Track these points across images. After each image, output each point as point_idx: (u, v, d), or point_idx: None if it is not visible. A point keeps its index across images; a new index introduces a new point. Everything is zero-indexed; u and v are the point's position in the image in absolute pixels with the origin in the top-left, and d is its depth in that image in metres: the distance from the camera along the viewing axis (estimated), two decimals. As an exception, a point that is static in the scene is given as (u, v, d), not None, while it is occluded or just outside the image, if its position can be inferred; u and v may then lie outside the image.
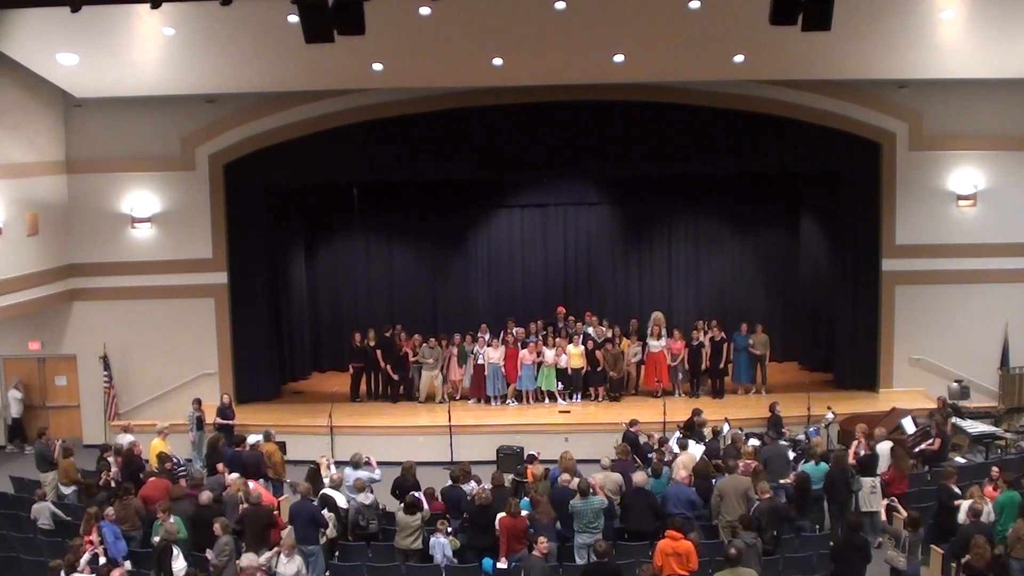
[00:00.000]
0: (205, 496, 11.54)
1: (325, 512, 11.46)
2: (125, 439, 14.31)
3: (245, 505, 11.52)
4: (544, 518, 11.09)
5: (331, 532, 11.51)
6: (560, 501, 11.31)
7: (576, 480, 11.51)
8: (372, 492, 12.08)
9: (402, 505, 11.47)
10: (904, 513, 10.76)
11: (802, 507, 11.78)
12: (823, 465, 12.30)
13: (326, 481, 12.35)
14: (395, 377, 18.09)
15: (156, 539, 10.84)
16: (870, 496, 12.15)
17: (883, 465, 12.56)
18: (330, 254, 20.88)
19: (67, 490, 13.35)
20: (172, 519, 11.06)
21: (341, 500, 11.99)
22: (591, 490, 11.19)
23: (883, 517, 10.83)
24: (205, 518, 11.04)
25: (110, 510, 11.16)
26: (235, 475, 12.68)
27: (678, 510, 11.37)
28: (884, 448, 12.78)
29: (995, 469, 11.80)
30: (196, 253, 17.60)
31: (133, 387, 17.61)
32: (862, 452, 12.51)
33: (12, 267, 15.53)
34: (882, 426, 14.01)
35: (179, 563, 10.37)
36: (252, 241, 17.90)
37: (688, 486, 11.80)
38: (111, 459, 13.67)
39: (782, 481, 11.86)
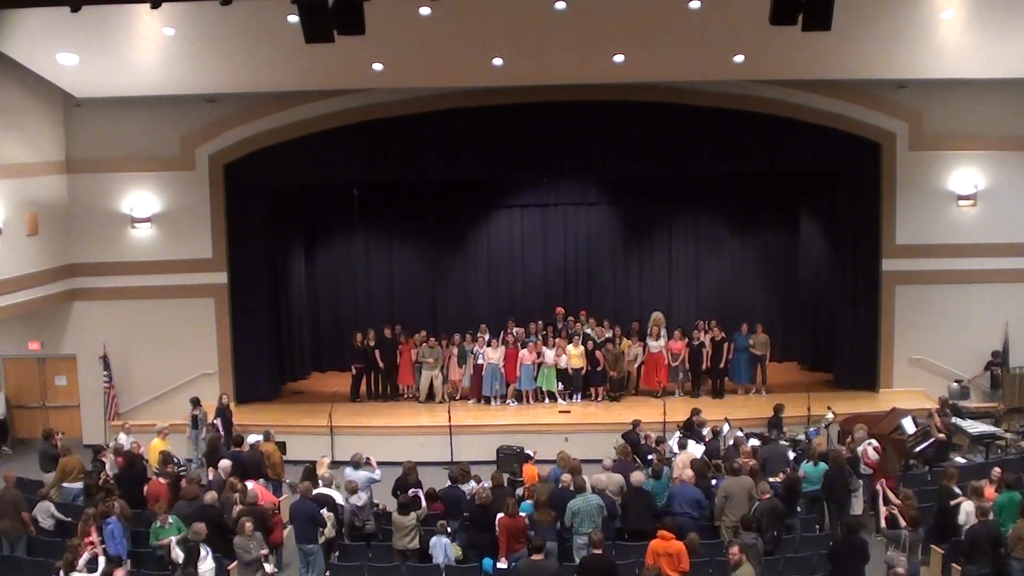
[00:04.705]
0: (210, 496, 11.56)
1: (324, 511, 11.45)
2: (125, 439, 14.31)
3: (239, 506, 11.53)
4: (544, 519, 11.09)
5: (329, 531, 11.50)
6: (560, 501, 11.31)
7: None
8: (369, 492, 12.07)
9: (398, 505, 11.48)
10: (901, 517, 10.72)
11: (791, 507, 11.78)
12: (822, 465, 12.31)
13: (320, 480, 12.35)
14: (400, 369, 18.13)
15: (169, 540, 10.86)
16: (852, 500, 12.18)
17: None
18: (330, 254, 20.89)
19: (77, 486, 13.23)
20: (171, 519, 11.07)
21: (339, 499, 11.99)
22: (586, 487, 11.21)
23: (883, 524, 10.78)
24: (208, 517, 11.07)
25: (116, 506, 11.17)
26: (226, 463, 12.80)
27: (683, 510, 11.38)
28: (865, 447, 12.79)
29: (996, 470, 11.79)
30: (196, 253, 17.60)
31: (133, 387, 17.62)
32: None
33: (12, 267, 15.53)
34: (879, 427, 14.00)
35: (207, 563, 10.39)
36: (252, 241, 17.89)
37: (693, 486, 11.79)
38: (106, 460, 13.67)
39: (771, 480, 11.85)
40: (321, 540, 11.35)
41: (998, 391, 17.05)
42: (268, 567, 11.00)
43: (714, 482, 12.02)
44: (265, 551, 10.86)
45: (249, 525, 10.71)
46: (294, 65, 14.85)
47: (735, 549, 9.61)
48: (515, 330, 18.28)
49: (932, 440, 14.06)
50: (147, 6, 10.39)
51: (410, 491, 11.71)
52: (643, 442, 13.79)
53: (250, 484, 12.26)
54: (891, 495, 11.60)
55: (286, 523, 12.18)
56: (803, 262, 19.87)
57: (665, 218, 20.62)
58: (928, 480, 13.23)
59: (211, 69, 15.42)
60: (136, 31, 13.87)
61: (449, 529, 11.28)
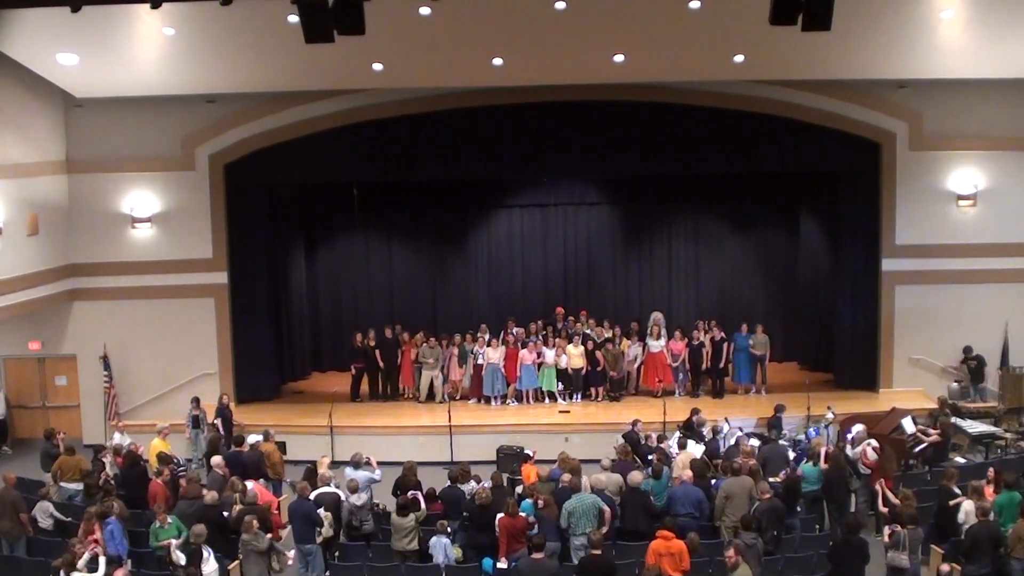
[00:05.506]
0: (210, 496, 11.56)
1: (321, 511, 11.45)
2: (120, 439, 14.31)
3: (239, 506, 11.54)
4: (552, 515, 11.12)
5: (326, 531, 11.48)
6: (560, 501, 11.31)
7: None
8: (368, 493, 12.06)
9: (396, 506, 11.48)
10: (899, 517, 10.72)
11: (791, 507, 11.79)
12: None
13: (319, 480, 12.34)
14: (401, 369, 18.14)
15: (169, 541, 10.86)
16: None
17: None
18: (330, 254, 20.89)
19: (76, 487, 13.20)
20: (170, 520, 11.07)
21: (341, 496, 11.99)
22: (582, 488, 11.23)
23: (886, 539, 10.75)
24: (209, 517, 11.09)
25: (115, 506, 11.18)
26: (218, 459, 12.84)
27: (686, 511, 11.38)
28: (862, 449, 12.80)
29: (991, 470, 11.82)
30: (196, 253, 17.60)
31: (133, 387, 17.61)
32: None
33: (12, 267, 15.53)
34: (879, 427, 13.99)
35: (210, 564, 10.41)
36: (252, 241, 17.89)
37: (694, 486, 11.79)
38: (107, 460, 13.69)
39: (771, 480, 11.86)
40: (319, 540, 11.35)
41: (979, 384, 17.09)
42: (291, 552, 11.19)
43: (714, 482, 12.01)
44: (271, 538, 10.93)
45: (255, 523, 10.73)
46: (294, 65, 14.85)
47: (731, 552, 9.62)
48: (515, 330, 18.28)
49: (930, 436, 14.04)
50: (147, 6, 10.40)
51: (409, 493, 11.70)
52: (643, 442, 13.80)
53: (250, 484, 12.27)
54: (890, 495, 11.62)
55: (285, 523, 12.20)
56: (803, 262, 19.87)
57: (665, 218, 20.62)
58: (928, 480, 13.24)
59: (211, 69, 15.41)
60: (136, 31, 13.87)
61: (449, 529, 11.28)
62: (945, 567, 9.81)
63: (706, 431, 14.12)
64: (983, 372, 17.09)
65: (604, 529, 10.87)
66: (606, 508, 11.13)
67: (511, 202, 20.60)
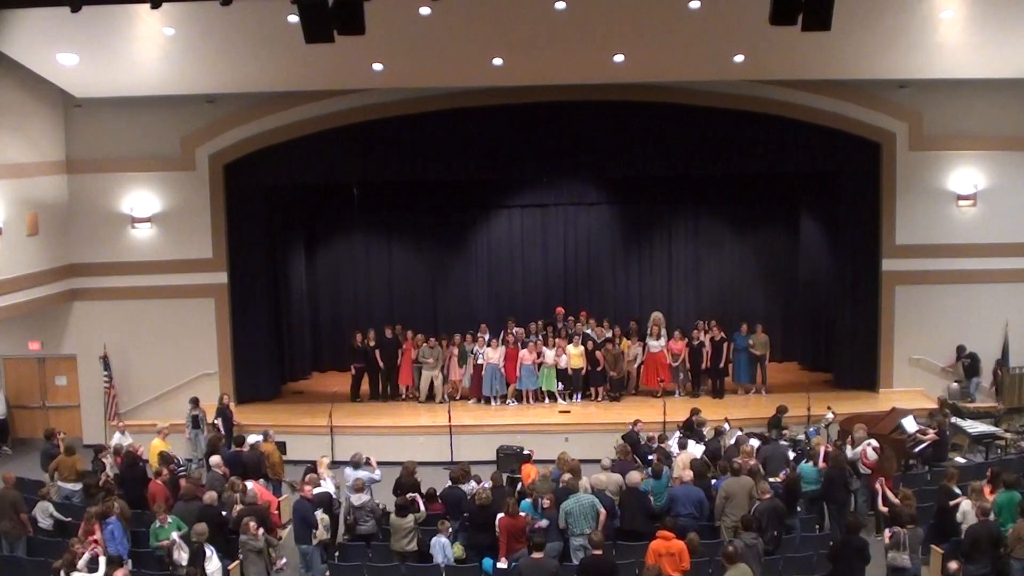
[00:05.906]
0: (209, 495, 11.56)
1: (319, 512, 11.44)
2: (122, 440, 14.32)
3: (239, 506, 11.55)
4: (555, 517, 11.12)
5: (322, 533, 11.46)
6: (561, 501, 11.30)
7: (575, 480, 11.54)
8: (368, 493, 12.07)
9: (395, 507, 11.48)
10: (899, 517, 10.72)
11: (791, 507, 11.79)
12: (820, 465, 12.34)
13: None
14: (401, 369, 18.12)
15: (167, 540, 10.85)
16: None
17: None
18: (330, 254, 20.89)
19: (73, 487, 13.23)
20: (170, 519, 11.07)
21: (334, 493, 12.00)
22: (579, 488, 11.23)
23: (887, 541, 10.74)
24: (208, 517, 11.09)
25: (116, 506, 11.18)
26: (217, 458, 12.89)
27: (688, 511, 11.38)
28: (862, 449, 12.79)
29: (991, 470, 11.82)
30: (196, 253, 17.61)
31: (133, 387, 17.61)
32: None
33: (12, 267, 15.53)
34: (879, 427, 13.99)
35: (213, 563, 10.41)
36: (252, 241, 17.90)
37: (695, 486, 11.79)
38: (107, 460, 13.69)
39: (771, 480, 11.86)
40: (314, 542, 11.34)
41: (973, 379, 17.12)
42: (283, 560, 11.23)
43: (714, 482, 12.02)
44: (262, 532, 10.95)
45: (253, 524, 10.74)
46: (294, 65, 14.85)
47: (731, 548, 9.62)
48: (515, 330, 18.28)
49: (928, 435, 14.04)
50: (147, 6, 10.42)
51: (408, 495, 11.70)
52: (644, 442, 13.79)
53: (250, 484, 12.27)
54: (890, 495, 11.63)
55: (285, 523, 12.20)
56: (803, 262, 19.87)
57: (665, 218, 20.62)
58: (928, 480, 13.24)
59: (211, 69, 15.41)
60: (136, 31, 13.86)
61: (451, 529, 11.28)
62: (954, 564, 9.80)
63: (706, 431, 14.12)
64: (978, 369, 17.12)
65: (599, 529, 10.88)
66: (602, 509, 11.13)
67: (511, 202, 20.60)
